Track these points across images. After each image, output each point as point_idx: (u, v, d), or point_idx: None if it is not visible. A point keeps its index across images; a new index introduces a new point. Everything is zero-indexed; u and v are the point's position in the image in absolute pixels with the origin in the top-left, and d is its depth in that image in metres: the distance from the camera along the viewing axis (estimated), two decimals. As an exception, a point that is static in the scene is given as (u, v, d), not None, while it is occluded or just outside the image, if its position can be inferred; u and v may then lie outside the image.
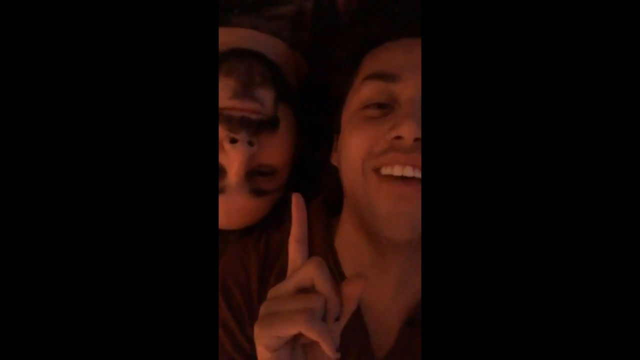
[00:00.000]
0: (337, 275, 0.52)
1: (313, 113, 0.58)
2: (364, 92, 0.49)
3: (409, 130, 0.44)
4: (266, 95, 0.53)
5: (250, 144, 0.51)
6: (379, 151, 0.46)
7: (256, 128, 0.51)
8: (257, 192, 0.54)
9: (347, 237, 0.53)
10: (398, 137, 0.45)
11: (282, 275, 0.50)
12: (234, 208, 0.53)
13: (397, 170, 0.45)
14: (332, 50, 0.55)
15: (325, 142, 0.57)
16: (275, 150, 0.54)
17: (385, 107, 0.48)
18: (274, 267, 0.53)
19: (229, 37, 0.55)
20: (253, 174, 0.54)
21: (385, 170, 0.45)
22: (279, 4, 0.58)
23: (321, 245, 0.53)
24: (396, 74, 0.48)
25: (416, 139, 0.44)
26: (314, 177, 0.59)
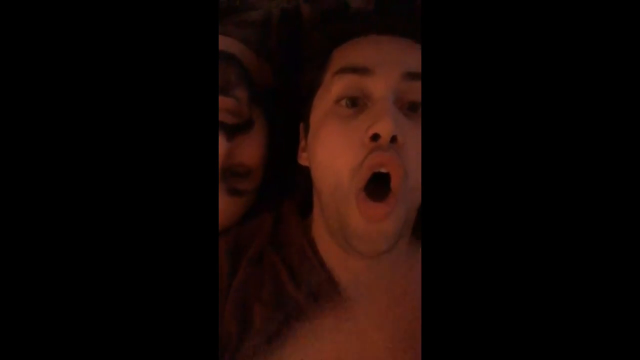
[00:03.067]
0: (317, 264, 0.52)
1: (281, 115, 0.59)
2: (335, 86, 0.49)
3: (387, 128, 0.44)
4: (242, 95, 0.54)
5: (228, 139, 0.52)
6: (360, 161, 0.45)
7: (232, 130, 0.53)
8: (233, 192, 0.54)
9: (319, 234, 0.54)
10: (375, 136, 0.44)
11: (250, 266, 0.51)
12: None
13: (376, 170, 0.45)
14: (298, 50, 0.55)
15: (294, 143, 0.57)
16: (250, 150, 0.55)
17: (356, 105, 0.48)
18: (242, 258, 0.53)
19: None
20: (228, 173, 0.54)
21: None
22: (248, 9, 0.59)
23: (298, 237, 0.54)
24: (368, 67, 0.48)
25: (393, 138, 0.44)
26: (284, 179, 0.60)
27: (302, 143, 0.56)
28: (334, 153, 0.47)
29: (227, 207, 0.55)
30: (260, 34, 0.60)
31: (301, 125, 0.57)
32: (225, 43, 0.57)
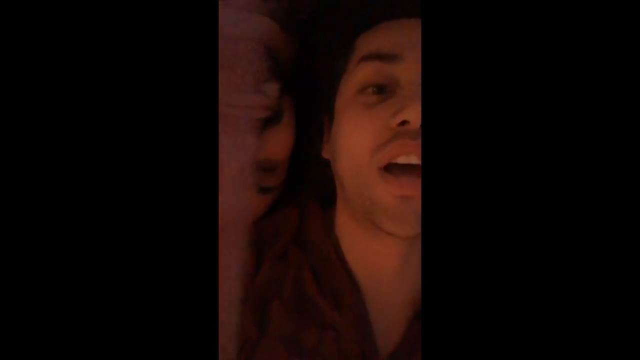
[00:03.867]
0: (338, 261, 0.50)
1: (308, 102, 0.55)
2: (360, 73, 0.46)
3: (417, 114, 0.41)
4: (272, 89, 0.50)
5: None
6: (383, 142, 0.43)
7: (262, 125, 0.50)
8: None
9: (344, 227, 0.52)
10: (403, 122, 0.42)
11: (274, 263, 0.50)
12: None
13: (401, 159, 0.43)
14: (325, 31, 0.51)
15: (318, 134, 0.54)
16: (278, 144, 0.52)
17: (383, 92, 0.45)
18: (266, 252, 0.52)
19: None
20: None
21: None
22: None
23: (321, 233, 0.52)
24: (396, 53, 0.45)
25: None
26: (306, 170, 0.57)
27: (326, 135, 0.53)
28: (355, 138, 0.45)
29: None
30: (289, 8, 0.55)
31: (325, 116, 0.53)
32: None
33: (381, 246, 0.48)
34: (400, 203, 0.43)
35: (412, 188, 0.42)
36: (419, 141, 0.42)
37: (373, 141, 0.44)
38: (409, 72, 0.44)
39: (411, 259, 0.49)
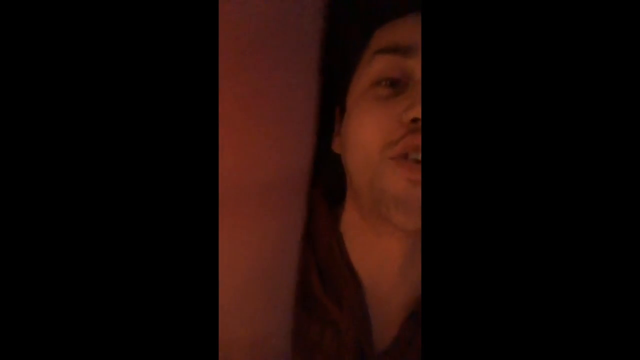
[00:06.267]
0: (341, 259, 0.50)
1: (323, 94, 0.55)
2: (375, 66, 0.46)
3: None
4: None
5: None
6: (396, 138, 0.44)
7: None
8: None
9: (352, 223, 0.51)
10: (415, 120, 0.42)
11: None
12: None
13: (412, 155, 0.43)
14: (342, 24, 0.51)
15: (329, 127, 0.53)
16: None
17: (397, 85, 0.46)
18: None
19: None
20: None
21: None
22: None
23: (326, 230, 0.51)
24: (411, 47, 0.44)
25: None
26: (315, 164, 0.56)
27: (337, 127, 0.52)
28: (367, 131, 0.45)
29: None
30: None
31: (337, 109, 0.52)
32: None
33: (385, 243, 0.48)
34: (410, 188, 0.42)
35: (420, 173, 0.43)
36: None
37: (385, 136, 0.44)
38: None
39: (414, 258, 0.49)
